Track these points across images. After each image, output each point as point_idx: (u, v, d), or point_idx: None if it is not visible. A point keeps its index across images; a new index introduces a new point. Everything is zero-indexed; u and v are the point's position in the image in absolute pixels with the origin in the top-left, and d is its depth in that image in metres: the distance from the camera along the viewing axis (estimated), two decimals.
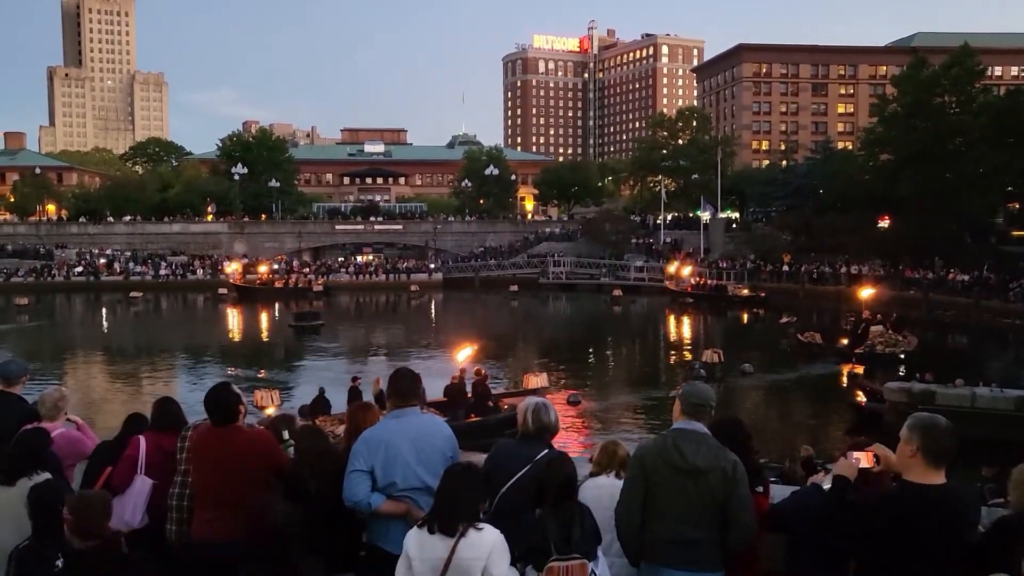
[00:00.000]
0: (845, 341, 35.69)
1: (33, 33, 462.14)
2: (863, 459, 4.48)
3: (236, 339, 47.84)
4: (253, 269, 73.15)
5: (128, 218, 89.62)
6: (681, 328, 52.10)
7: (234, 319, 56.80)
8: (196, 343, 44.69)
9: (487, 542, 4.12)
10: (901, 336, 35.56)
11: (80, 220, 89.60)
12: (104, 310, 62.55)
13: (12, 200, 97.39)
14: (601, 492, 5.15)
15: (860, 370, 32.18)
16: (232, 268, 73.15)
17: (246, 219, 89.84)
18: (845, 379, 31.53)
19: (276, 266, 77.23)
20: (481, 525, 4.17)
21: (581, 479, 5.21)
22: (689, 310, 57.28)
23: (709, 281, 63.80)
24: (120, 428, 6.42)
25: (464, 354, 23.68)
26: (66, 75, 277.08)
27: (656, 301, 62.13)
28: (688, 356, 37.62)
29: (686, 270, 65.56)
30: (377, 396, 22.00)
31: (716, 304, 58.02)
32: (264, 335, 49.83)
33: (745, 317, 55.39)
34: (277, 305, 61.89)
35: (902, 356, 33.64)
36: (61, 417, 6.66)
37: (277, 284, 68.60)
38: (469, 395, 21.27)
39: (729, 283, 63.91)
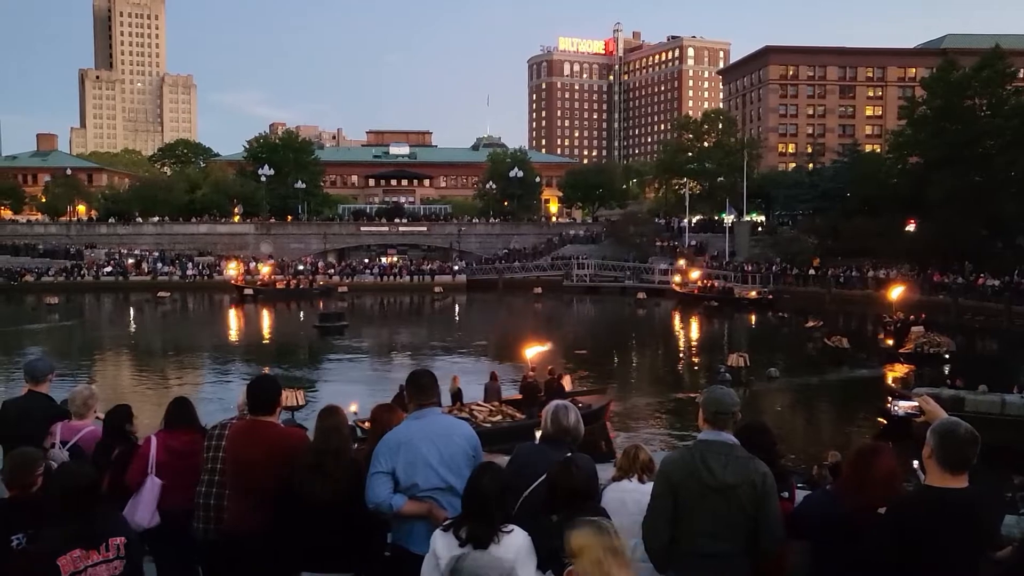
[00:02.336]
0: (890, 342, 35.36)
1: (65, 37, 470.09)
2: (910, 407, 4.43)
3: (262, 339, 48.14)
4: (255, 270, 73.67)
5: (156, 219, 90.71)
6: (704, 331, 51.79)
7: (255, 320, 57.18)
8: (222, 343, 45.08)
9: (515, 545, 4.12)
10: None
11: (109, 220, 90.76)
12: (132, 310, 63.24)
13: (44, 200, 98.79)
14: (625, 496, 5.11)
15: (910, 370, 31.99)
16: (233, 269, 73.48)
17: (272, 220, 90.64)
18: (890, 380, 30.98)
19: (302, 267, 77.74)
20: (509, 527, 4.17)
21: (604, 483, 5.18)
22: (696, 312, 57.21)
23: (716, 283, 63.93)
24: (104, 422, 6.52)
25: (534, 351, 23.80)
26: (97, 77, 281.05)
27: (680, 304, 61.90)
28: (711, 359, 37.31)
29: (694, 273, 65.62)
30: (454, 393, 22.28)
31: (724, 306, 58.14)
32: (285, 336, 50.09)
33: (753, 319, 55.47)
34: (277, 306, 62.44)
35: (947, 356, 33.39)
36: (91, 415, 6.75)
37: (279, 285, 68.95)
38: (542, 393, 21.35)
39: (736, 285, 63.81)
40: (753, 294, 61.03)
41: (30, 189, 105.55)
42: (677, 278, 67.16)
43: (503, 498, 4.31)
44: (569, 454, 5.02)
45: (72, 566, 4.18)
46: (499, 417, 19.68)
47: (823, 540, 4.51)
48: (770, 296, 59.82)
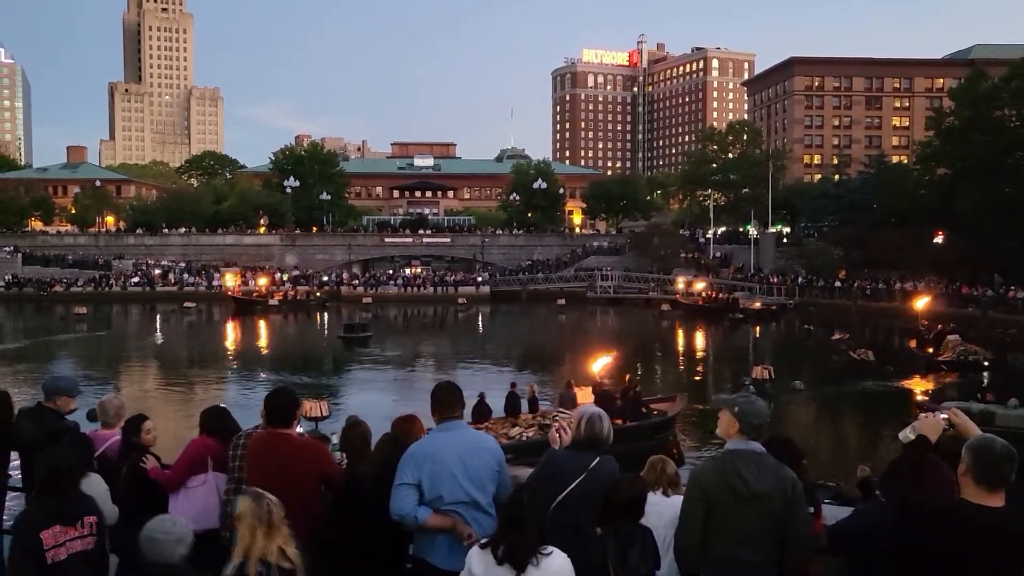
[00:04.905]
0: (930, 350, 35.12)
1: (96, 51, 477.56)
2: (939, 421, 4.47)
3: (286, 349, 48.34)
4: (253, 281, 74.02)
5: (183, 230, 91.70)
6: (726, 343, 51.37)
7: (269, 332, 57.44)
8: (245, 353, 45.28)
9: (554, 568, 4.05)
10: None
11: (137, 232, 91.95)
12: (158, 320, 63.81)
13: (73, 212, 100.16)
14: (649, 510, 5.09)
15: (949, 378, 31.70)
16: (229, 281, 73.50)
17: (297, 231, 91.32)
18: (918, 394, 30.60)
19: (326, 278, 78.09)
20: (548, 550, 4.09)
21: None
22: (699, 323, 56.95)
23: (721, 295, 63.82)
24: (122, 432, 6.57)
25: (601, 363, 23.90)
26: (126, 90, 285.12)
27: (704, 316, 61.51)
28: (733, 371, 36.96)
29: (700, 285, 65.46)
30: (531, 401, 22.35)
31: (727, 317, 58.02)
32: (309, 346, 50.23)
33: (758, 330, 55.12)
34: (272, 318, 62.43)
35: (985, 364, 33.12)
36: (120, 424, 6.83)
37: (276, 297, 69.09)
38: (619, 401, 21.33)
39: (740, 296, 63.53)
40: (757, 305, 60.61)
41: (60, 201, 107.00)
42: (680, 287, 67.39)
43: (543, 518, 4.27)
44: (598, 459, 5.02)
45: (53, 539, 4.62)
46: None
47: (870, 553, 4.45)
48: (773, 307, 59.43)
